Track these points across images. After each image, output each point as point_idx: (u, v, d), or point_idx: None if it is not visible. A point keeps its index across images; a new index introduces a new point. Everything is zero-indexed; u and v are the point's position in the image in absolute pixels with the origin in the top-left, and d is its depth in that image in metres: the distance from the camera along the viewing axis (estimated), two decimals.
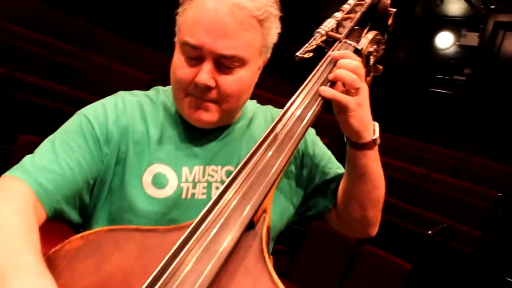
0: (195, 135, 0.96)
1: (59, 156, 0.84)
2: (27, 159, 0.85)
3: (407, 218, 3.65)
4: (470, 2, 7.97)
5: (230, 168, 0.97)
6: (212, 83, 0.86)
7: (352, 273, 3.17)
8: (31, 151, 0.86)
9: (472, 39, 8.50)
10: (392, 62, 8.44)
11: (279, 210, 1.02)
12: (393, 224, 3.60)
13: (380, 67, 1.08)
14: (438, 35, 8.92)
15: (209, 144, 0.97)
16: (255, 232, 0.76)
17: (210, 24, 0.83)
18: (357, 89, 0.87)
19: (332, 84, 0.90)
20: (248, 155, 0.81)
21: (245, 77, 0.90)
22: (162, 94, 1.02)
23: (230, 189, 0.77)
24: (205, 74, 0.85)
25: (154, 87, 1.05)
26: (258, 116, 1.08)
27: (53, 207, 0.82)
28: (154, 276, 0.64)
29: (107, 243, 0.73)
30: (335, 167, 1.09)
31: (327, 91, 0.88)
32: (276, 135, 0.84)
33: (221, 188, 0.77)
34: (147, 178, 0.91)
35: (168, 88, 1.03)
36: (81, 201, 0.90)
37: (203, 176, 0.95)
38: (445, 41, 8.88)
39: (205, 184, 0.95)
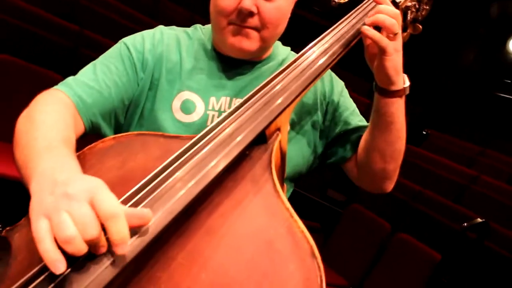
0: (225, 69, 1.03)
1: (98, 76, 0.93)
2: (70, 77, 0.94)
3: (448, 214, 3.57)
4: None
5: None
6: (254, 9, 0.93)
7: (383, 259, 3.17)
8: None
9: None
10: (459, 64, 8.11)
11: (300, 151, 1.07)
12: (432, 218, 3.54)
13: (420, 26, 1.08)
14: None
15: (238, 78, 1.04)
16: (267, 146, 0.80)
17: None
18: (395, 34, 0.90)
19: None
20: (272, 75, 0.88)
21: (284, 6, 0.97)
22: (200, 30, 1.09)
23: (248, 103, 0.82)
24: (249, 0, 0.93)
25: (194, 25, 1.12)
26: (289, 59, 1.12)
27: (90, 120, 0.91)
28: (158, 171, 0.68)
29: (135, 144, 0.80)
30: (358, 120, 1.13)
31: (370, 30, 0.90)
32: (300, 63, 0.90)
33: (240, 101, 0.83)
34: (176, 103, 0.99)
35: (207, 26, 1.10)
36: (116, 120, 0.98)
37: (229, 107, 1.01)
38: None
39: None
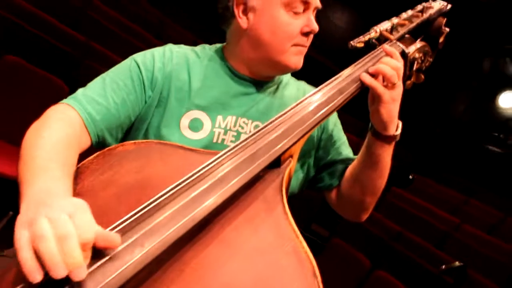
0: (233, 89, 1.09)
1: (107, 92, 0.97)
2: (80, 91, 0.98)
3: (428, 258, 3.62)
4: None
5: (259, 123, 1.08)
6: None
7: None
8: None
9: None
10: (450, 114, 8.32)
11: (295, 174, 1.12)
12: (412, 260, 3.58)
13: (422, 76, 1.17)
14: (502, 94, 8.71)
15: (245, 98, 1.09)
16: (279, 171, 0.86)
17: None
18: (394, 84, 0.97)
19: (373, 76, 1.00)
20: (293, 105, 0.93)
21: None
22: (208, 50, 1.14)
23: (269, 126, 0.87)
24: (315, 22, 1.03)
25: (201, 45, 1.18)
26: (290, 84, 1.20)
27: (97, 135, 0.95)
28: (179, 183, 0.72)
29: (155, 152, 0.83)
30: (348, 151, 1.20)
31: (367, 77, 0.98)
32: (317, 99, 0.96)
33: (263, 125, 0.88)
34: (184, 121, 1.03)
35: (215, 45, 1.16)
36: (122, 134, 1.03)
37: (235, 126, 1.06)
38: (507, 101, 8.64)
39: (235, 133, 1.06)
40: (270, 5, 1.01)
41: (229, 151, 0.81)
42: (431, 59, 1.19)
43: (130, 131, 1.05)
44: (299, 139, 0.89)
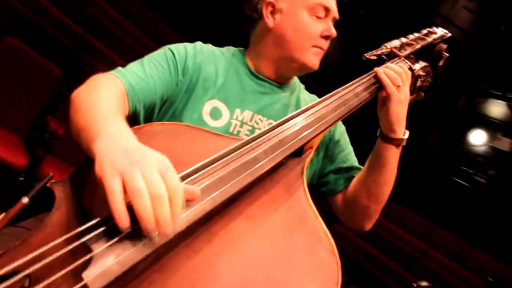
0: (253, 87, 1.17)
1: (146, 69, 1.05)
2: (120, 68, 1.04)
3: (395, 279, 3.75)
4: None
5: (273, 122, 1.14)
6: None
7: None
8: None
9: (505, 144, 8.60)
10: (423, 145, 8.61)
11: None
12: (381, 280, 3.70)
13: (422, 94, 1.27)
14: (473, 131, 9.07)
15: (262, 97, 1.17)
16: (300, 159, 0.94)
17: None
18: (398, 86, 1.07)
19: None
20: (315, 102, 1.01)
21: None
22: (232, 51, 1.24)
23: (293, 120, 0.95)
24: (334, 29, 1.15)
25: (227, 47, 1.26)
26: (305, 93, 1.29)
27: (135, 105, 1.00)
28: (206, 162, 0.75)
29: (181, 133, 0.86)
30: (353, 160, 1.27)
31: (382, 74, 1.08)
32: (337, 98, 1.04)
33: (287, 116, 0.95)
34: (207, 108, 1.11)
35: (239, 48, 1.25)
36: (151, 113, 1.09)
37: (251, 120, 1.14)
38: (478, 138, 9.01)
39: (250, 128, 1.14)
40: (296, 7, 1.14)
41: (257, 137, 0.87)
42: (430, 80, 1.30)
43: (158, 113, 1.11)
44: (321, 132, 0.97)
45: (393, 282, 3.65)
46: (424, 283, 2.79)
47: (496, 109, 8.62)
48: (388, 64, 1.12)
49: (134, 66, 1.06)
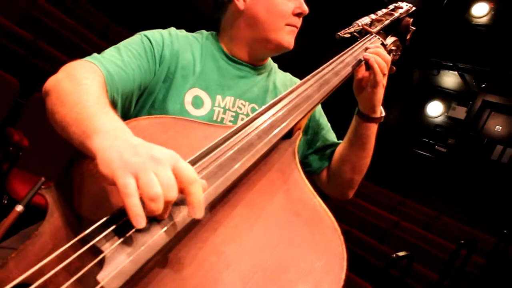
0: (230, 71, 1.15)
1: (123, 57, 0.99)
2: (96, 54, 0.98)
3: (373, 253, 3.85)
4: (463, 77, 8.47)
5: (255, 106, 1.15)
6: None
7: None
8: None
9: (460, 112, 8.97)
10: (384, 121, 8.83)
11: None
12: (358, 255, 3.79)
13: (394, 68, 1.27)
14: (430, 103, 9.40)
15: (241, 81, 1.16)
16: (291, 141, 0.94)
17: None
18: (384, 74, 1.09)
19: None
20: (300, 82, 1.01)
21: None
22: (205, 35, 1.20)
23: (280, 103, 0.94)
24: (305, 5, 1.14)
25: (199, 31, 1.23)
26: (279, 72, 1.29)
27: (113, 95, 0.94)
28: (202, 152, 0.74)
29: (170, 126, 0.84)
30: (333, 136, 1.30)
31: (373, 59, 1.07)
32: (319, 78, 1.04)
33: (273, 100, 0.94)
34: (188, 97, 1.07)
35: (211, 32, 1.22)
36: (129, 104, 1.04)
37: (233, 106, 1.12)
38: (435, 110, 9.35)
39: (234, 114, 1.12)
40: None
41: (247, 123, 0.86)
42: (400, 53, 1.33)
43: (136, 105, 1.07)
44: (308, 112, 0.97)
45: (371, 256, 3.75)
46: (403, 253, 2.90)
47: (449, 79, 8.96)
48: (379, 50, 1.11)
49: (110, 54, 0.99)
